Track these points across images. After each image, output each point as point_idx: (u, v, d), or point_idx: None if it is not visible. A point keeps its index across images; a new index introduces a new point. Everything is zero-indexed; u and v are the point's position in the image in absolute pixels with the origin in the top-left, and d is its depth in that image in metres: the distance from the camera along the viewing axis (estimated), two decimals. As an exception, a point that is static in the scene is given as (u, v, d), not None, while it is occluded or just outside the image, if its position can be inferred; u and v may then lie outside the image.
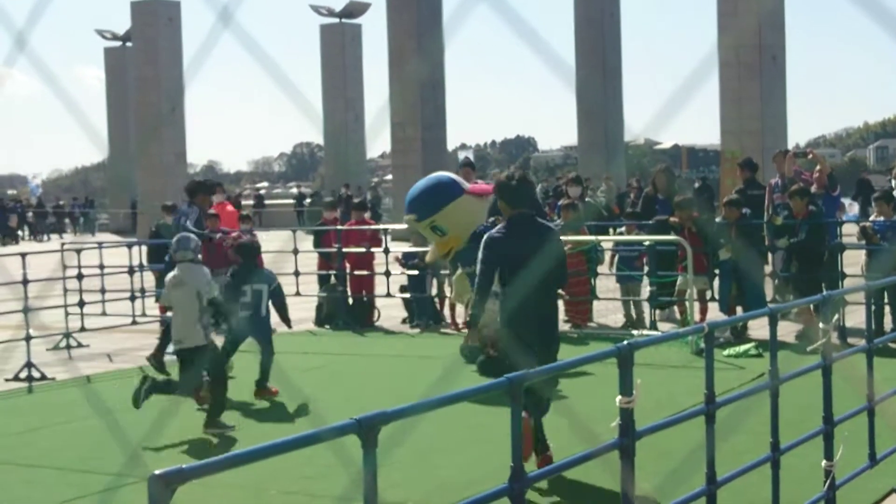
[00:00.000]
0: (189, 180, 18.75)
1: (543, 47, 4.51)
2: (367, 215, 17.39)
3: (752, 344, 12.33)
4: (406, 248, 15.92)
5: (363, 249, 15.94)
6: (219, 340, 10.17)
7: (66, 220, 55.60)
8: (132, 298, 14.73)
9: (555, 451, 7.57)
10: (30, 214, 52.67)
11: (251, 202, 51.83)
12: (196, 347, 9.31)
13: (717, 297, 13.79)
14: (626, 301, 14.62)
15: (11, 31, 4.94)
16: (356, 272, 16.09)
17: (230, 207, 16.05)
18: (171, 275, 9.77)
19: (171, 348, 10.16)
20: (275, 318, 11.02)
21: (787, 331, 12.94)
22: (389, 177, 52.13)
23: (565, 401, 9.75)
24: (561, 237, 14.32)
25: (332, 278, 16.27)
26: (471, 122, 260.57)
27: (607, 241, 15.57)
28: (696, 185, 34.82)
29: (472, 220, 12.03)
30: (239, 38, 4.50)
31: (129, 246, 16.59)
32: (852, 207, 33.31)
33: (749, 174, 15.71)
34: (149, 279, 16.32)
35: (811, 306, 9.98)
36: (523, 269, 7.31)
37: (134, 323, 14.74)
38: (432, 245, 12.49)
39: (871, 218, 13.85)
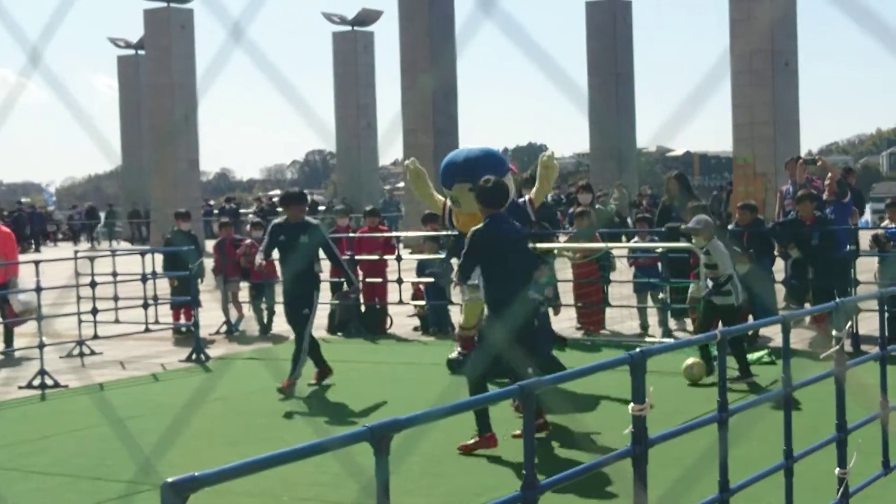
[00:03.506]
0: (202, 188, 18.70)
1: (555, 70, 4.51)
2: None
3: (766, 351, 12.29)
4: (416, 256, 15.91)
5: (376, 257, 15.96)
6: None
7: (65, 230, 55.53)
8: (145, 306, 14.75)
9: (567, 459, 7.56)
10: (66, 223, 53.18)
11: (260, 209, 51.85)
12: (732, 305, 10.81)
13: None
14: (641, 309, 14.63)
15: (26, 47, 4.96)
16: (369, 279, 16.09)
17: (4, 229, 15.81)
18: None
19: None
20: None
21: (801, 338, 12.91)
22: (401, 184, 52.19)
23: (577, 407, 9.74)
24: (573, 244, 14.46)
25: (345, 285, 16.27)
26: (483, 129, 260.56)
27: (619, 249, 15.55)
28: (714, 193, 34.91)
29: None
30: (250, 55, 4.51)
31: (143, 254, 16.63)
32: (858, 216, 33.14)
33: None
34: (162, 287, 16.36)
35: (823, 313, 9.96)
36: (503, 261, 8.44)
37: (147, 330, 14.76)
38: (459, 214, 11.86)
39: (883, 224, 13.81)
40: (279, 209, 10.57)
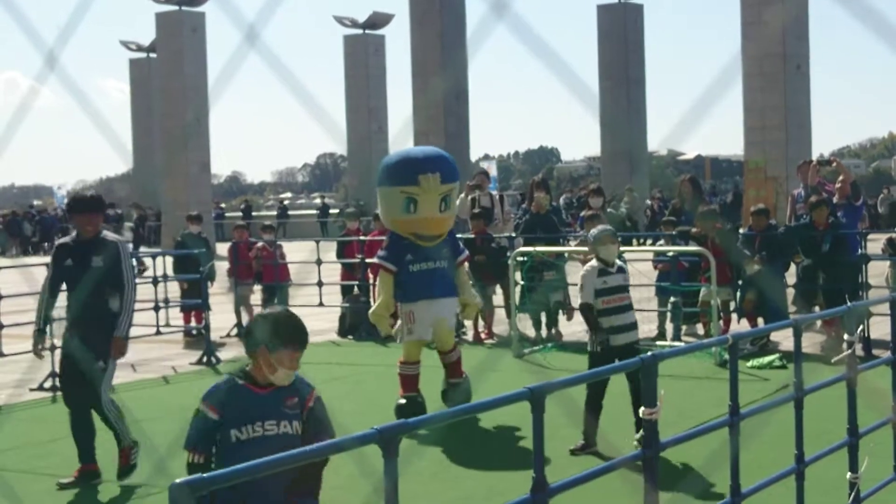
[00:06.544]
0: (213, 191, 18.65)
1: (566, 73, 4.50)
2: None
3: (777, 355, 12.27)
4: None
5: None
6: None
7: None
8: (156, 308, 14.77)
9: (578, 462, 7.54)
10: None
11: (275, 213, 51.98)
12: None
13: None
14: (659, 313, 14.55)
15: (42, 50, 4.97)
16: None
17: None
18: None
19: None
20: None
21: (812, 342, 12.87)
22: (412, 187, 52.09)
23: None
24: (584, 248, 14.42)
25: (356, 289, 16.28)
26: (494, 133, 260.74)
27: (630, 253, 15.50)
28: (728, 198, 34.95)
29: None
30: (263, 58, 4.51)
31: (154, 256, 16.66)
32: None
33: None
34: (172, 289, 16.38)
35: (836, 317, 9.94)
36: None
37: (158, 333, 14.77)
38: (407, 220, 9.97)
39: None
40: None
